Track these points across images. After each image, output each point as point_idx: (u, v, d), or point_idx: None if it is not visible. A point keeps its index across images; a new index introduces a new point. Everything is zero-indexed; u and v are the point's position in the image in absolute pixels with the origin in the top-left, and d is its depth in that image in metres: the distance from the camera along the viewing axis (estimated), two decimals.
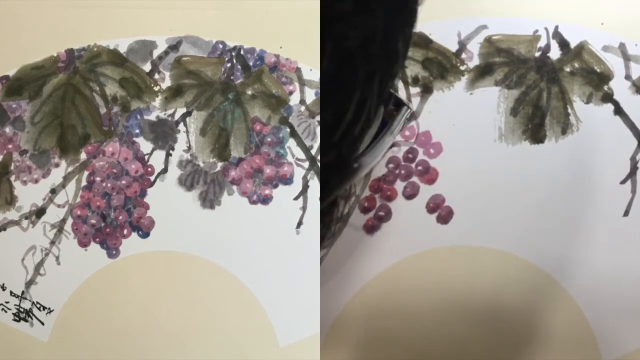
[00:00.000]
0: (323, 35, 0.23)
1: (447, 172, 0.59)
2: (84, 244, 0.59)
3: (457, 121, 0.59)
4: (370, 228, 0.59)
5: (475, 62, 0.58)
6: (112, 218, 0.59)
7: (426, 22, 0.59)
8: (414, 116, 0.57)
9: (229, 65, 0.58)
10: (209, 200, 0.59)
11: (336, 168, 0.26)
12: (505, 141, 0.58)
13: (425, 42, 0.59)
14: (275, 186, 0.58)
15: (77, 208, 0.59)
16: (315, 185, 0.58)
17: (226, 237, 0.59)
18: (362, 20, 0.24)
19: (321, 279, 0.53)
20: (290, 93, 0.58)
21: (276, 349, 0.59)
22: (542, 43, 0.58)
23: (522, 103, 0.58)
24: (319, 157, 0.57)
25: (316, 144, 0.58)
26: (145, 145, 0.59)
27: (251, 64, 0.58)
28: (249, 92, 0.58)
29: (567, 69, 0.58)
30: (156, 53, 0.58)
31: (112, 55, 0.58)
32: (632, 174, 0.58)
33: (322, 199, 0.26)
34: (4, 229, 0.59)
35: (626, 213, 0.58)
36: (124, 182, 0.59)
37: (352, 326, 0.60)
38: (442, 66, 0.58)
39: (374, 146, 0.27)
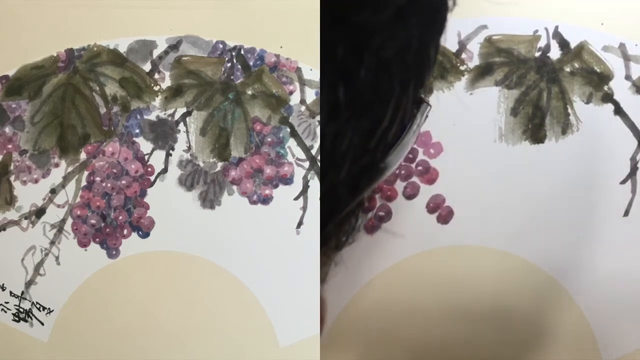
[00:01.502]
0: (360, 46, 0.24)
1: (447, 172, 0.59)
2: (83, 244, 0.59)
3: (457, 121, 0.59)
4: (370, 228, 0.59)
5: (475, 62, 0.58)
6: (112, 218, 0.59)
7: None
8: None
9: (229, 65, 0.58)
10: (209, 200, 0.59)
11: (366, 171, 0.26)
12: (505, 141, 0.58)
13: None
14: (276, 186, 0.58)
15: (77, 208, 0.59)
16: (315, 185, 0.58)
17: (226, 237, 0.59)
18: (399, 30, 0.25)
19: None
20: (291, 93, 0.58)
21: (276, 349, 0.59)
22: (542, 43, 0.58)
23: (522, 103, 0.58)
24: (318, 157, 0.57)
25: (316, 144, 0.58)
26: (145, 145, 0.59)
27: (251, 63, 0.58)
28: (249, 92, 0.58)
29: (567, 69, 0.58)
30: (156, 53, 0.58)
31: (112, 55, 0.58)
32: (632, 174, 0.58)
33: (350, 200, 0.27)
34: (4, 229, 0.59)
35: (626, 213, 0.58)
36: (124, 182, 0.59)
37: (352, 326, 0.60)
38: (442, 66, 0.58)
39: (399, 146, 0.27)
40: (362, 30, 0.24)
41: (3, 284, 0.59)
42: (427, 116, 0.29)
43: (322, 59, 0.23)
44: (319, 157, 0.22)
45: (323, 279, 0.32)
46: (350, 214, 0.28)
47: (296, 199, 0.58)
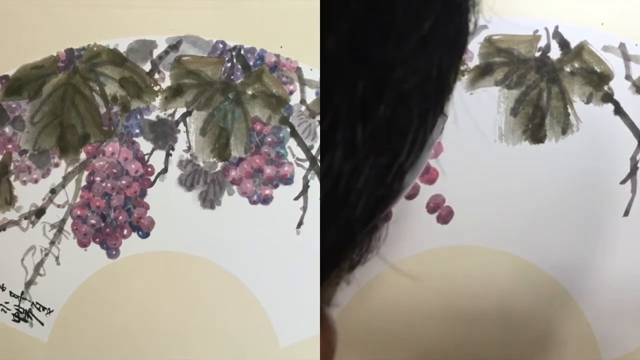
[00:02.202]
0: (381, 81, 0.23)
1: (447, 172, 0.59)
2: (83, 244, 0.59)
3: (457, 121, 0.58)
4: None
5: (475, 62, 0.58)
6: (112, 218, 0.59)
7: None
8: None
9: (229, 64, 0.58)
10: (209, 200, 0.59)
11: (382, 201, 0.25)
12: (505, 141, 0.58)
13: None
14: (276, 186, 0.58)
15: (77, 208, 0.59)
16: (315, 185, 0.58)
17: (226, 237, 0.58)
18: (420, 61, 0.24)
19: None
20: (291, 93, 0.58)
21: (276, 349, 0.59)
22: (542, 43, 0.58)
23: (522, 103, 0.58)
24: (318, 158, 0.57)
25: (316, 144, 0.58)
26: (145, 145, 0.59)
27: (251, 63, 0.58)
28: (249, 92, 0.58)
29: (567, 69, 0.58)
30: (156, 53, 0.58)
31: (112, 55, 0.58)
32: (632, 174, 0.58)
33: (365, 228, 0.26)
34: (4, 229, 0.59)
35: (626, 213, 0.58)
36: (124, 182, 0.59)
37: (352, 326, 0.60)
38: None
39: (415, 167, 0.26)
40: (383, 65, 0.23)
41: (3, 284, 0.59)
42: (443, 128, 0.28)
43: (339, 96, 0.22)
44: (326, 186, 0.21)
45: (330, 302, 0.31)
46: (364, 237, 0.27)
47: (296, 199, 0.58)
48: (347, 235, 0.25)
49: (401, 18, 0.23)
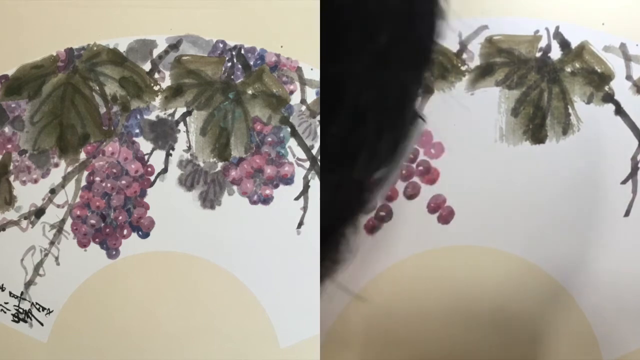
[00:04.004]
0: (334, 98, 0.23)
1: (448, 172, 0.59)
2: (83, 245, 0.59)
3: (458, 121, 0.59)
4: (371, 228, 0.59)
5: (476, 62, 0.58)
6: (112, 218, 0.59)
7: None
8: None
9: (229, 64, 0.58)
10: (209, 200, 0.58)
11: (363, 203, 0.26)
12: (506, 141, 0.58)
13: None
14: (276, 186, 0.58)
15: (76, 208, 0.59)
16: (315, 185, 0.58)
17: (226, 238, 0.58)
18: (378, 77, 0.24)
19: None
20: (291, 92, 0.58)
21: (276, 350, 0.59)
22: (542, 43, 0.58)
23: (523, 103, 0.58)
24: (319, 158, 0.57)
25: (317, 144, 0.58)
26: (145, 145, 0.58)
27: (252, 63, 0.58)
28: (250, 92, 0.58)
29: (568, 69, 0.58)
30: (156, 52, 0.58)
31: (111, 55, 0.58)
32: (632, 174, 0.58)
33: (342, 226, 0.26)
34: (3, 229, 0.59)
35: (627, 213, 0.58)
36: (123, 182, 0.59)
37: (352, 326, 0.60)
38: (443, 66, 0.58)
39: (390, 170, 0.26)
40: (337, 81, 0.23)
41: (2, 285, 0.59)
42: (421, 133, 0.27)
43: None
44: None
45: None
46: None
47: (297, 199, 0.58)
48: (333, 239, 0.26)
49: (352, 33, 0.23)
